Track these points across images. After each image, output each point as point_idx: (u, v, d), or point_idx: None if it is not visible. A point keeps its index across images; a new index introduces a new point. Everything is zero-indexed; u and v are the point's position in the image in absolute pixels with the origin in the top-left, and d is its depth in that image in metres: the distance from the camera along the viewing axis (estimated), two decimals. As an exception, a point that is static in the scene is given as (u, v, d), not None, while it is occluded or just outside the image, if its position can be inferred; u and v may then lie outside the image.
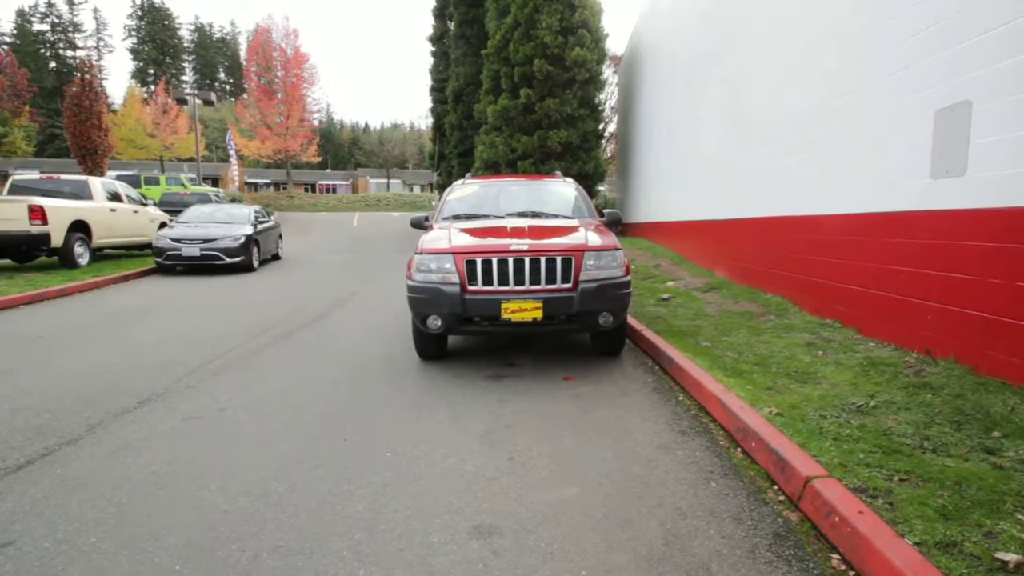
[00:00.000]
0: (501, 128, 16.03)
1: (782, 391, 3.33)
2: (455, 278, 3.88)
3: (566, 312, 3.83)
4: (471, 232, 4.40)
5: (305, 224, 22.31)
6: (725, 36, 7.65)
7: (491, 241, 4.05)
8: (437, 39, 22.43)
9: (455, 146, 19.27)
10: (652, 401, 3.52)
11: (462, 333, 4.14)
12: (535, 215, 4.96)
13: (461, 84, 18.58)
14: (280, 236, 13.55)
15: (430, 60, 24.34)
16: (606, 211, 5.27)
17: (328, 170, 62.59)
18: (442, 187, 23.98)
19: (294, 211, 29.47)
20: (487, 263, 3.86)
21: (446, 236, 4.28)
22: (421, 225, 5.30)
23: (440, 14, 21.65)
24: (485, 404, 3.48)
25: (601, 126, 16.73)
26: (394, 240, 17.35)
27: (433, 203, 44.22)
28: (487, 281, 3.86)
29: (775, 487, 2.35)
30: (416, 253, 4.12)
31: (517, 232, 4.19)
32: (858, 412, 2.94)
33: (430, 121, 28.50)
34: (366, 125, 78.86)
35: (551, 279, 3.85)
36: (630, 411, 3.34)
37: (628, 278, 4.06)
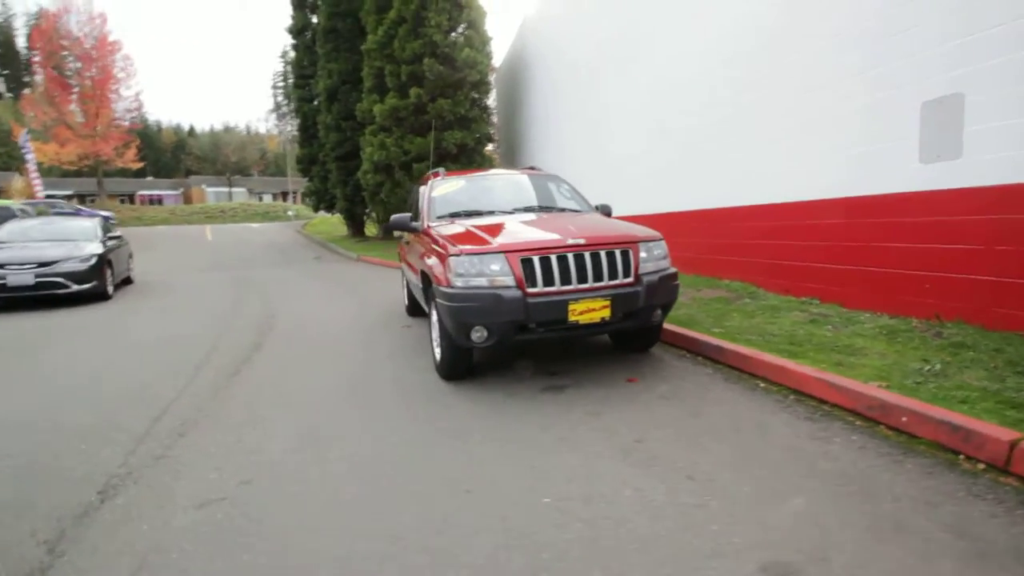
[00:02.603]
0: (391, 129, 15.07)
1: (851, 366, 3.43)
2: (510, 280, 3.34)
3: (631, 308, 3.54)
4: (491, 228, 3.83)
5: (143, 240, 18.58)
6: (645, 33, 7.99)
7: (541, 235, 3.58)
8: (299, 31, 20.33)
9: (332, 148, 17.61)
10: (738, 392, 3.38)
11: (513, 344, 3.61)
12: (543, 209, 4.58)
13: (336, 81, 17.07)
14: (131, 255, 11.08)
15: (270, 56, 22.21)
16: (598, 205, 5.08)
17: (150, 178, 53.33)
18: (314, 193, 21.72)
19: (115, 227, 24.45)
20: (546, 260, 3.39)
21: (476, 234, 3.69)
22: (407, 226, 4.60)
23: (300, 4, 19.66)
24: (579, 422, 3.03)
25: (493, 130, 16.66)
26: (273, 253, 15.33)
27: (289, 212, 39.94)
28: (548, 281, 3.39)
29: (960, 456, 2.35)
30: (452, 255, 3.47)
31: (557, 226, 3.78)
32: (937, 375, 3.13)
33: (271, 123, 25.77)
34: (191, 128, 68.93)
35: (613, 274, 3.52)
36: (734, 406, 3.17)
37: (675, 269, 3.91)
